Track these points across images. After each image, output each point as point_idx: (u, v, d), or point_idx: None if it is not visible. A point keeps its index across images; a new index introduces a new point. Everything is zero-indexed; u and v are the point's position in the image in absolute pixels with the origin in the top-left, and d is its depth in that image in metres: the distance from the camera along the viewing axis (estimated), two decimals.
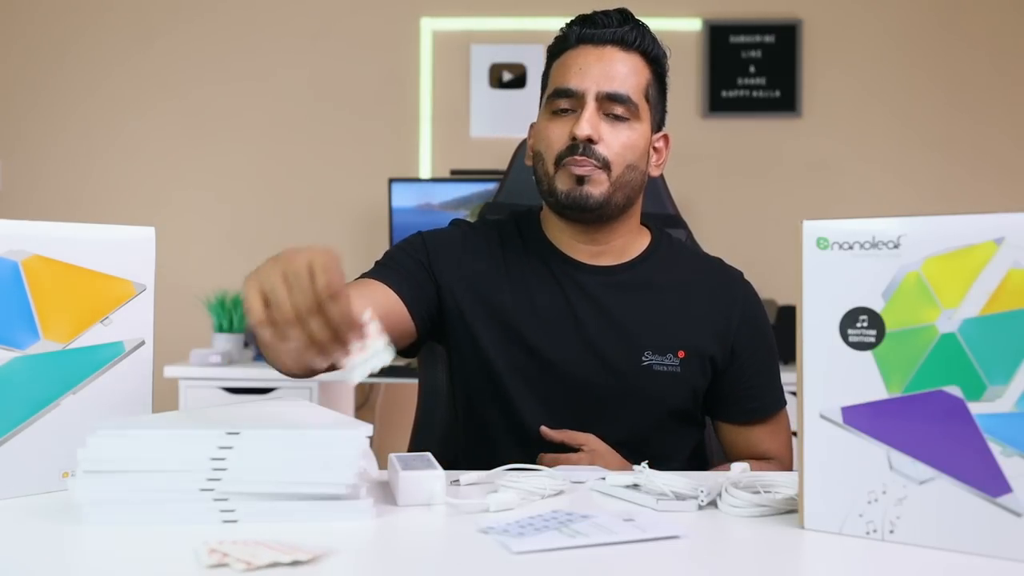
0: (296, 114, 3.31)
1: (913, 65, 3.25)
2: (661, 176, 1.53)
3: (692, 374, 1.24)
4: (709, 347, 1.25)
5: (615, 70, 1.21)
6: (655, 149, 1.28)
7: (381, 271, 1.25)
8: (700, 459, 1.34)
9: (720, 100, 3.25)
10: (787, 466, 1.27)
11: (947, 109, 3.24)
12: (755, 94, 3.26)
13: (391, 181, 3.06)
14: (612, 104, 1.20)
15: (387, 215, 3.09)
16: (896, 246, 0.78)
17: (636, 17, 1.25)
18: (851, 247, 0.80)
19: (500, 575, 0.70)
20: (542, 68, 1.32)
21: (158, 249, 1.01)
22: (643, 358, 1.23)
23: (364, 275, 1.25)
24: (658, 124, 1.28)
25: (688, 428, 1.29)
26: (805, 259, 0.82)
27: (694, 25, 3.24)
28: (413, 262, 1.27)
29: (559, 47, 1.27)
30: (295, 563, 0.69)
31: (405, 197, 3.06)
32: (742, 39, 3.25)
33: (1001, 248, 0.73)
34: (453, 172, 3.21)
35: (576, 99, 1.21)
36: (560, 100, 1.22)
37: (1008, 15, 3.24)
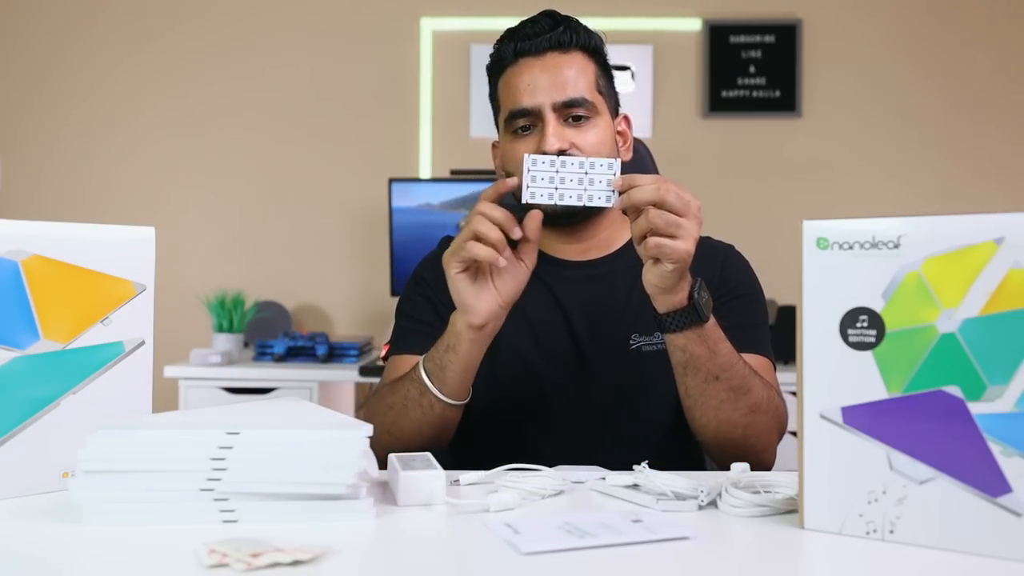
0: (296, 114, 3.31)
1: (913, 65, 3.25)
2: (656, 170, 1.53)
3: None
4: None
5: (563, 76, 1.20)
6: (619, 133, 1.28)
7: (409, 344, 1.26)
8: None
9: (720, 100, 3.25)
10: (773, 388, 1.20)
11: (947, 109, 3.24)
12: (755, 94, 3.26)
13: (391, 181, 3.06)
14: (571, 109, 1.20)
15: (387, 215, 3.09)
16: (896, 246, 0.78)
17: (564, 15, 1.24)
18: (851, 247, 0.80)
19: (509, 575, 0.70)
20: None
21: (158, 249, 1.01)
22: (631, 341, 1.24)
23: (393, 353, 1.28)
24: (615, 110, 1.28)
25: None
26: (805, 259, 0.82)
27: (694, 25, 3.24)
28: (424, 312, 1.28)
29: (498, 66, 1.26)
30: (295, 563, 0.69)
31: (405, 197, 3.06)
32: (742, 39, 3.25)
33: (1001, 248, 0.73)
34: (453, 172, 3.21)
35: (534, 116, 1.20)
36: (519, 120, 1.21)
37: (1007, 15, 3.24)
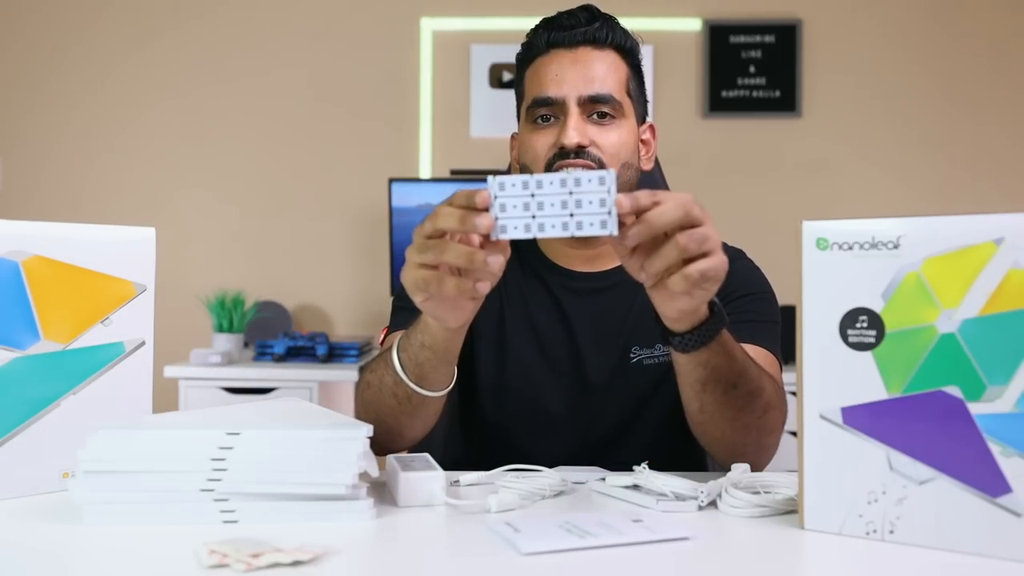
0: (296, 114, 3.31)
1: (913, 65, 3.25)
2: (662, 176, 1.53)
3: None
4: None
5: (593, 71, 1.18)
6: (643, 142, 1.26)
7: (408, 317, 1.16)
8: None
9: (720, 100, 3.25)
10: (776, 382, 1.14)
11: (947, 109, 3.24)
12: (755, 94, 3.26)
13: (391, 181, 3.06)
14: (596, 105, 1.17)
15: (387, 215, 3.09)
16: (896, 246, 0.78)
17: (603, 12, 1.22)
18: (851, 247, 0.80)
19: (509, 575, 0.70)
20: None
21: (158, 249, 1.01)
22: (631, 354, 1.23)
23: (392, 327, 1.23)
24: (641, 116, 1.26)
25: None
26: (805, 259, 0.82)
27: (694, 25, 3.24)
28: None
29: (529, 54, 1.23)
30: (295, 563, 0.70)
31: (405, 197, 3.06)
32: (742, 39, 3.25)
33: (1001, 248, 0.73)
34: (453, 172, 3.21)
35: (557, 107, 1.18)
36: (540, 109, 1.19)
37: (1007, 15, 3.24)
